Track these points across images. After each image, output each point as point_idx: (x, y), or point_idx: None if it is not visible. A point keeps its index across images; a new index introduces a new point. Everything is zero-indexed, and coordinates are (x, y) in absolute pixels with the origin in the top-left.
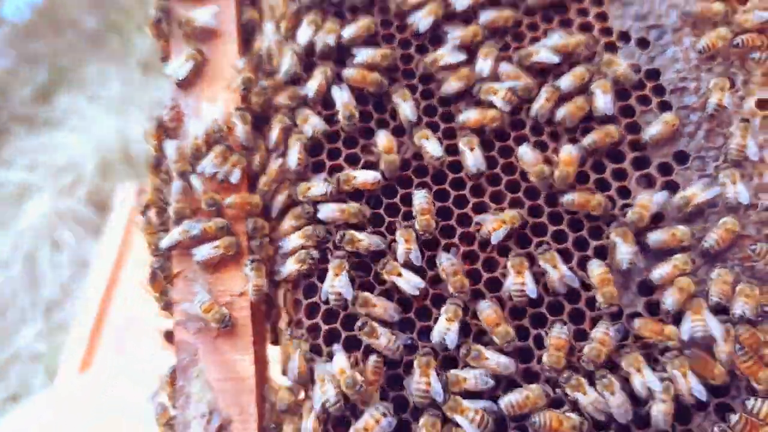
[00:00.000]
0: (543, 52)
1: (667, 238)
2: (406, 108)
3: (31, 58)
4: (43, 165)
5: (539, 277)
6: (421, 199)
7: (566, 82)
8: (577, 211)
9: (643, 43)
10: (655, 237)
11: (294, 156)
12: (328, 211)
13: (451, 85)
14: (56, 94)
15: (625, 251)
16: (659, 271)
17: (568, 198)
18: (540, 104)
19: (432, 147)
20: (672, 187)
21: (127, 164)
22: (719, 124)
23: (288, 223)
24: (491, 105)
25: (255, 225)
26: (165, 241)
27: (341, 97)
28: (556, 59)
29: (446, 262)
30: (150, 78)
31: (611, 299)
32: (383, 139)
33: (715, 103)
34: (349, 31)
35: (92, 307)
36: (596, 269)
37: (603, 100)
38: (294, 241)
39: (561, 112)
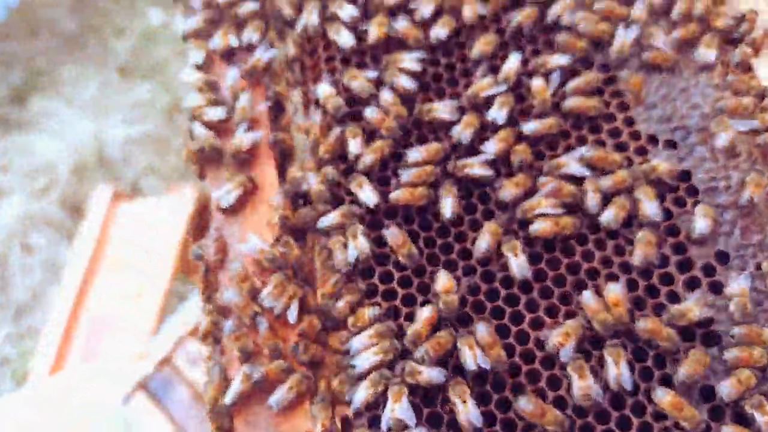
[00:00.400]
0: (572, 165)
1: (743, 356)
2: (446, 204)
3: (6, 59)
4: (16, 167)
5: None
6: (483, 332)
7: (607, 182)
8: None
9: (670, 145)
10: (731, 354)
11: (352, 252)
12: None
13: (509, 191)
14: (32, 96)
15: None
16: (734, 352)
17: (640, 325)
18: (590, 197)
19: (517, 264)
20: (717, 288)
21: (102, 168)
22: (753, 221)
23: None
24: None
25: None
26: (229, 397)
27: (393, 235)
28: (587, 172)
29: (529, 407)
30: (127, 82)
31: (694, 421)
32: (444, 279)
33: (748, 198)
34: (414, 155)
35: (67, 304)
36: (664, 396)
37: (650, 206)
38: (370, 358)
39: (607, 217)
